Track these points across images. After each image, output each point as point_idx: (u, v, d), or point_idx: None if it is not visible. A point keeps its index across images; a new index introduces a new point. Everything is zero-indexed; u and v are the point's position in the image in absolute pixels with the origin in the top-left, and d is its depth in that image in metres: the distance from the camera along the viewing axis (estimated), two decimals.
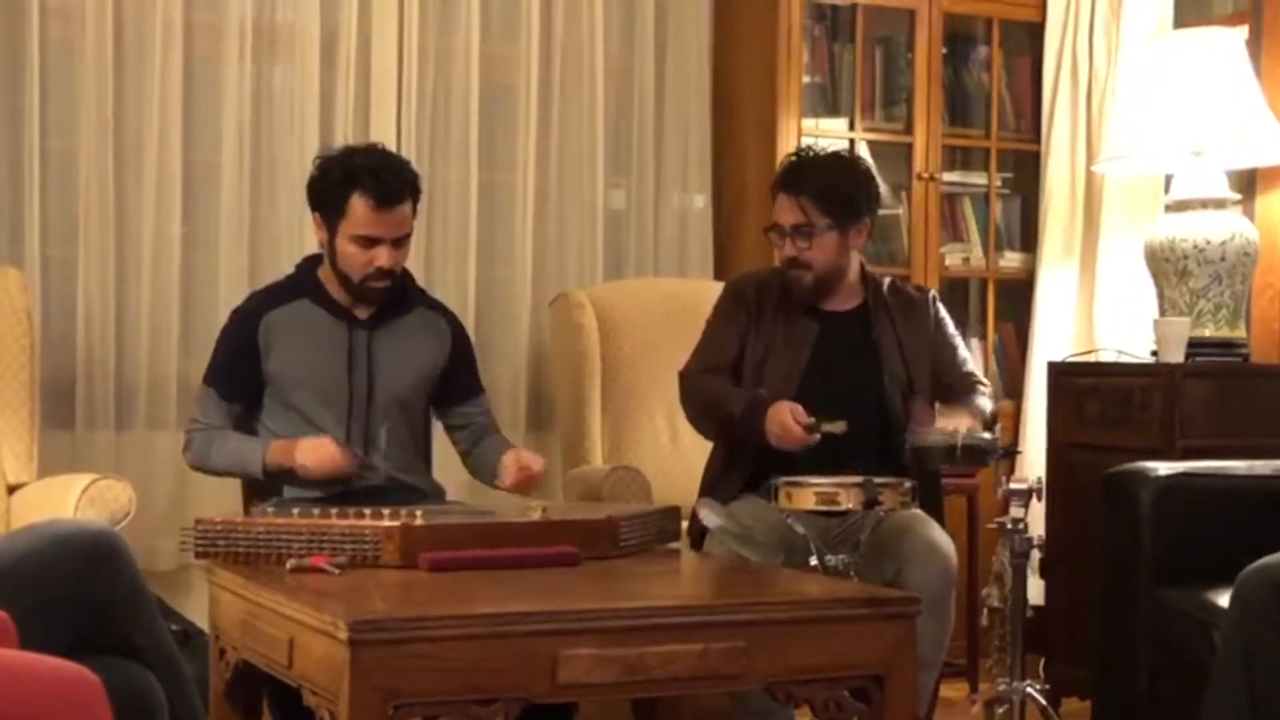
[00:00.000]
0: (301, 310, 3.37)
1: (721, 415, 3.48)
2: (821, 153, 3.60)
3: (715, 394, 3.51)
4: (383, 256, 3.29)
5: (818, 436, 3.28)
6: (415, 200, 3.36)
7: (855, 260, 3.58)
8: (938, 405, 3.42)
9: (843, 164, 3.59)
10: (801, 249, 3.49)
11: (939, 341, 3.58)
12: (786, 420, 3.31)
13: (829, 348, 3.51)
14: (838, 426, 3.26)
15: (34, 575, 2.40)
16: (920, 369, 3.51)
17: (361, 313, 3.38)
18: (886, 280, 3.64)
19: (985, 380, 3.63)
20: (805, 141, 4.41)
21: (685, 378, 3.60)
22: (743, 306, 3.57)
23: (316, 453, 3.23)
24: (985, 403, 3.47)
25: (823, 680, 2.39)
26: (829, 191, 3.47)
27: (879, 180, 3.75)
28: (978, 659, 4.42)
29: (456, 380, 3.51)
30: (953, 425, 3.25)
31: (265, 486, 3.36)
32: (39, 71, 4.06)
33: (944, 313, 3.65)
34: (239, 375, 3.36)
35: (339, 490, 3.26)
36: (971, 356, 3.72)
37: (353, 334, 3.37)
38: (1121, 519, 3.35)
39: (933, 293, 3.69)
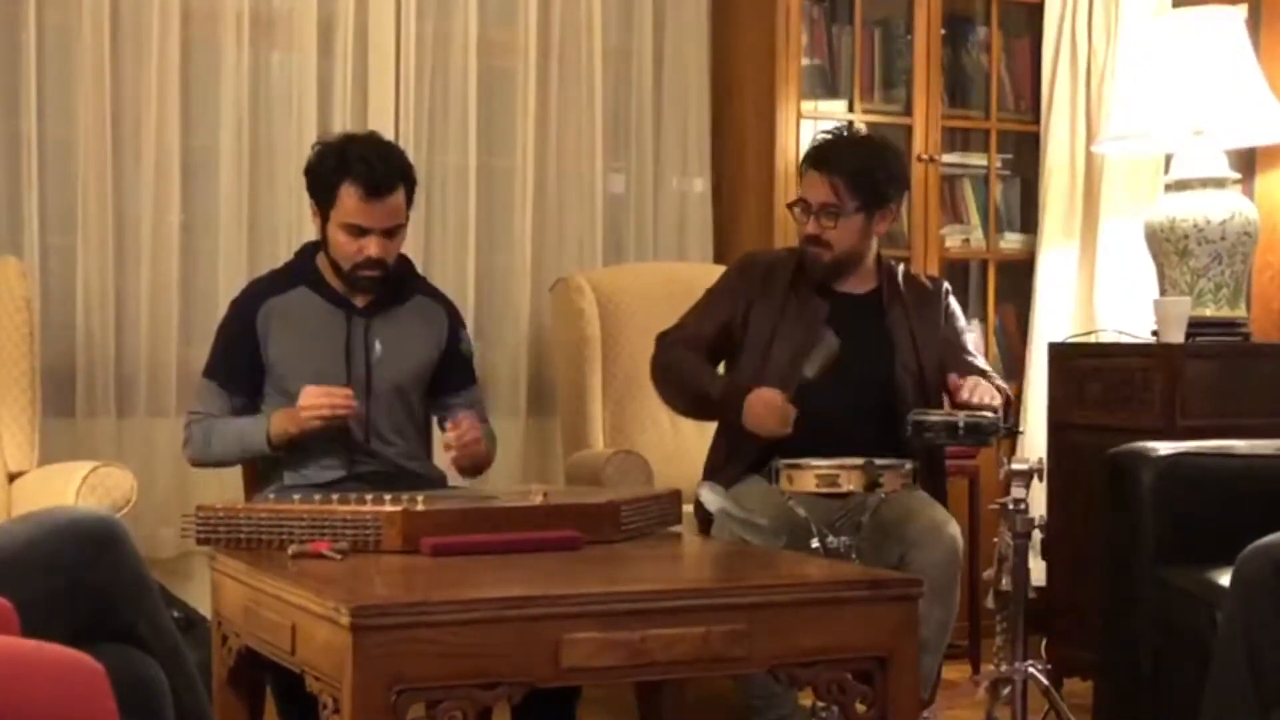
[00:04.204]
0: (299, 298, 3.36)
1: (698, 393, 3.49)
2: (857, 134, 3.60)
3: (692, 371, 3.51)
4: (372, 246, 3.28)
5: (792, 418, 3.27)
6: (409, 190, 3.33)
7: (874, 245, 3.57)
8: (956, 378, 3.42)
9: (877, 148, 3.57)
10: (825, 228, 3.47)
11: (949, 335, 3.57)
12: (769, 394, 3.30)
13: (839, 328, 3.48)
14: (825, 349, 3.24)
15: (35, 563, 2.39)
16: (931, 361, 3.51)
17: (359, 301, 3.37)
18: (900, 268, 3.64)
19: (995, 374, 3.63)
20: (808, 124, 4.42)
21: (661, 344, 3.59)
22: (746, 285, 3.57)
23: (320, 398, 3.18)
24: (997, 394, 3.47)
25: (825, 663, 2.39)
26: (862, 174, 3.45)
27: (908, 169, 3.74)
28: (979, 640, 4.42)
29: (448, 371, 3.49)
30: (971, 389, 3.27)
31: (269, 467, 3.34)
32: (36, 58, 4.05)
33: (955, 306, 3.65)
34: (239, 365, 3.34)
35: (340, 476, 3.26)
36: (979, 352, 3.71)
37: (351, 322, 3.36)
38: (1123, 499, 3.35)
39: (946, 285, 3.68)
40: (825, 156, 3.49)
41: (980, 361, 3.60)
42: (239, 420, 3.33)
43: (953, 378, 3.39)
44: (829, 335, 3.28)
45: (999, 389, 3.44)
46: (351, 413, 3.22)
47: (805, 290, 3.54)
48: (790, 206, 3.59)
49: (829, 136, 3.58)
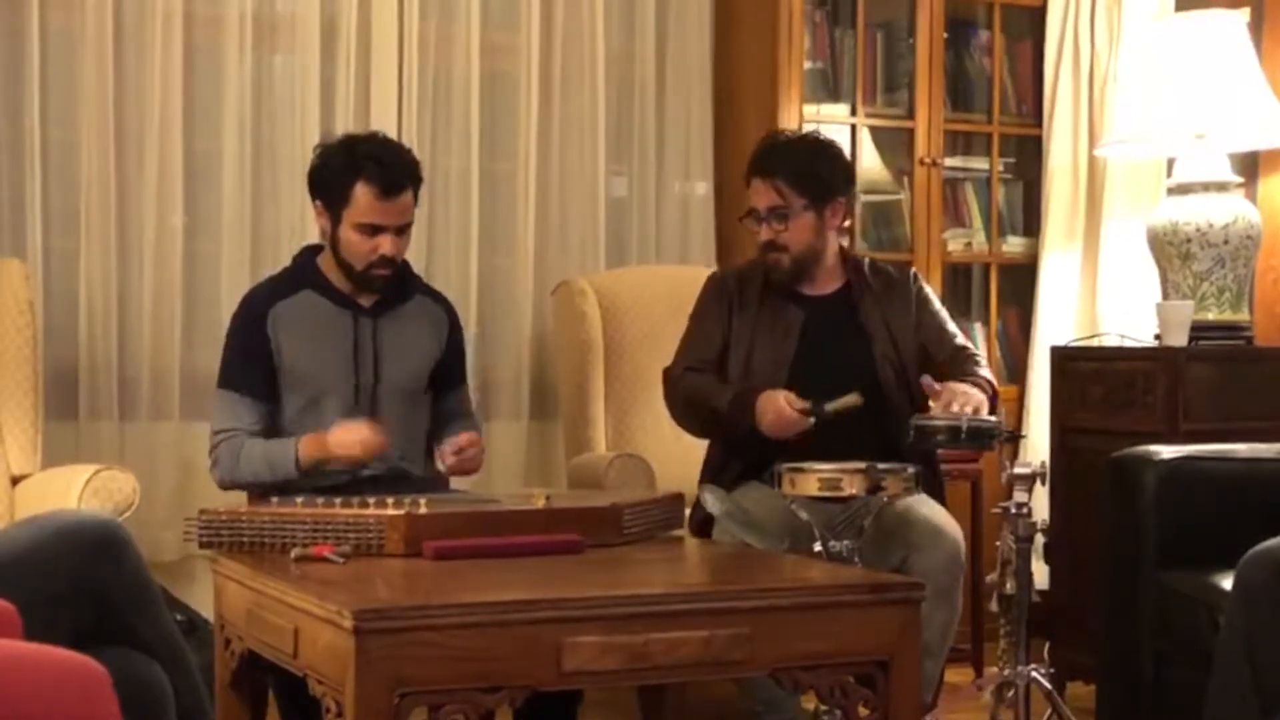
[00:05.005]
0: (305, 301, 3.36)
1: (708, 410, 3.47)
2: (792, 135, 3.62)
3: (700, 390, 3.50)
4: (386, 245, 3.29)
5: (812, 420, 3.27)
6: (417, 188, 3.35)
7: (833, 242, 3.58)
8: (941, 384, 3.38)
9: (814, 145, 3.58)
10: (778, 231, 3.50)
11: (925, 319, 3.57)
12: (779, 405, 3.30)
13: (816, 332, 3.51)
14: (850, 400, 3.24)
15: (38, 567, 2.40)
16: (908, 347, 3.51)
17: (365, 301, 3.38)
18: (866, 261, 3.65)
19: (979, 351, 3.63)
20: (798, 128, 4.42)
21: (669, 376, 3.60)
22: (724, 298, 3.59)
23: (352, 438, 3.19)
24: (986, 373, 3.45)
25: (828, 666, 2.39)
26: (802, 172, 3.48)
27: (853, 160, 3.74)
28: (982, 644, 4.42)
29: (444, 371, 3.49)
30: (962, 403, 3.23)
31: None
32: (39, 62, 4.06)
33: (927, 289, 3.64)
34: (258, 370, 3.32)
35: (344, 479, 3.26)
36: (959, 330, 3.69)
37: (357, 322, 3.36)
38: (1125, 503, 3.35)
39: (913, 270, 3.69)
40: (765, 161, 3.52)
41: (962, 340, 3.58)
42: (267, 443, 3.29)
43: (927, 381, 3.35)
44: (855, 395, 3.27)
45: (987, 381, 3.41)
46: (381, 452, 3.22)
47: (777, 300, 3.55)
48: (742, 219, 3.61)
49: (766, 142, 3.60)
